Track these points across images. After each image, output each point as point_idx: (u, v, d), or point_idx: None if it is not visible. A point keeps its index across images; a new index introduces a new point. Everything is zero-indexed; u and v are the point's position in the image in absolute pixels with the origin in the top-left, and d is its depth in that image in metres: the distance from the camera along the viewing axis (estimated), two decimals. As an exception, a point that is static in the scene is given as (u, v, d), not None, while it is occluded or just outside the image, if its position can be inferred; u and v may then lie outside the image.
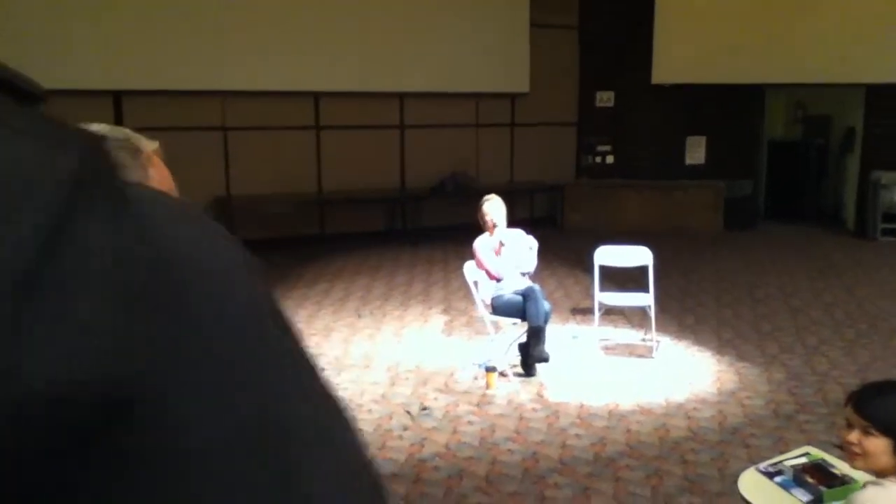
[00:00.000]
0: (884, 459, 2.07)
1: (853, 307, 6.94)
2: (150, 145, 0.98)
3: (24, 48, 7.95)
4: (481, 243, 5.38)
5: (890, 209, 10.22)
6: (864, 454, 2.09)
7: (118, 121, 8.73)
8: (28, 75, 0.36)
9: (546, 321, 5.14)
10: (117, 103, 8.75)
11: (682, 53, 10.74)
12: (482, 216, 5.41)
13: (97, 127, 0.97)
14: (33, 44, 7.98)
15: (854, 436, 2.10)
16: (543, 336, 5.10)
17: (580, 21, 11.50)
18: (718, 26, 10.55)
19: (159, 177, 1.02)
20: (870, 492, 2.05)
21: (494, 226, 5.35)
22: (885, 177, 10.22)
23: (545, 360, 5.10)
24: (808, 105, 12.82)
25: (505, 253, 5.35)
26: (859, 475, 2.51)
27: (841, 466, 2.72)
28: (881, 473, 2.09)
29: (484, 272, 5.35)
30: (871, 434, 2.07)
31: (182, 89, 8.89)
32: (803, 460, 2.81)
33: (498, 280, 5.32)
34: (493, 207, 5.38)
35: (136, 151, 0.98)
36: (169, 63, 8.69)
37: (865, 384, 2.30)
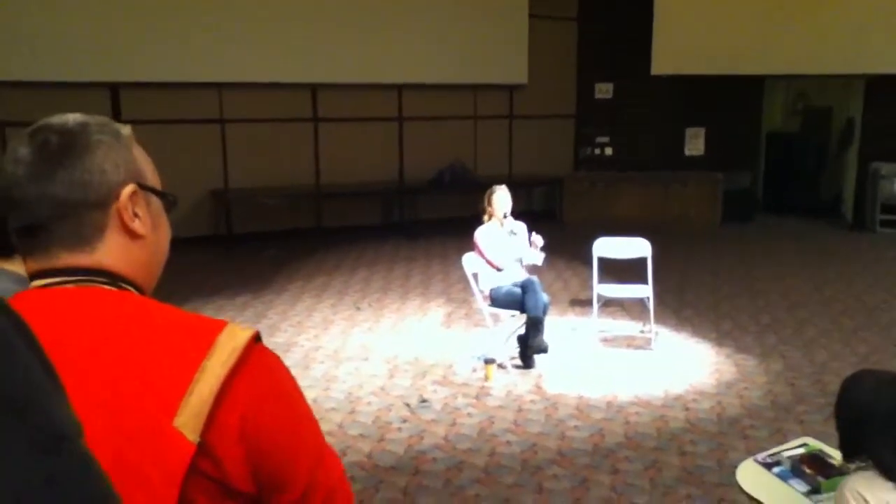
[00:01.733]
0: None
1: (851, 299, 6.94)
2: (126, 130, 1.00)
3: (22, 40, 7.93)
4: (482, 233, 5.37)
5: (888, 200, 10.21)
6: None
7: (115, 113, 8.71)
8: None
9: (545, 313, 5.14)
10: (114, 95, 8.72)
11: (681, 44, 10.70)
12: (489, 205, 5.39)
13: (75, 116, 0.97)
14: (30, 36, 7.95)
15: None
16: (542, 327, 5.10)
17: (579, 12, 11.47)
18: (718, 17, 10.51)
19: (142, 158, 1.02)
20: (856, 477, 2.06)
21: (505, 216, 5.34)
22: (885, 168, 10.21)
23: (544, 350, 5.10)
24: (808, 96, 12.79)
25: (514, 244, 5.33)
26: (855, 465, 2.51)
27: (838, 457, 2.72)
28: None
29: (484, 262, 5.34)
30: None
31: (179, 81, 8.86)
32: (801, 451, 2.81)
33: (498, 270, 5.31)
34: (502, 198, 5.38)
35: (118, 134, 0.99)
36: (166, 55, 8.66)
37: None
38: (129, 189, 0.97)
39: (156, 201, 1.02)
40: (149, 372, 0.88)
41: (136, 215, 0.98)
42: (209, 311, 6.52)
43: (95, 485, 0.55)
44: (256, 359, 0.92)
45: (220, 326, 0.92)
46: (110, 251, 0.97)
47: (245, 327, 0.94)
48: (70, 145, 0.94)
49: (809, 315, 6.46)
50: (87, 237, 0.95)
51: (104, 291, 0.95)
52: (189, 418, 0.86)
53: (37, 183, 0.93)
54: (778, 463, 2.73)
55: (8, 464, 0.42)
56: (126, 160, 0.98)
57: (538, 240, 5.28)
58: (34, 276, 0.96)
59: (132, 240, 0.98)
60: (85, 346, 0.89)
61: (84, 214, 0.95)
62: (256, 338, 0.93)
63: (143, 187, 1.00)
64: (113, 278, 0.96)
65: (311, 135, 9.95)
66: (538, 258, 5.35)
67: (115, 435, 0.85)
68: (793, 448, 2.85)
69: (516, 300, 5.16)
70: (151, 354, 0.89)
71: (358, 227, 10.04)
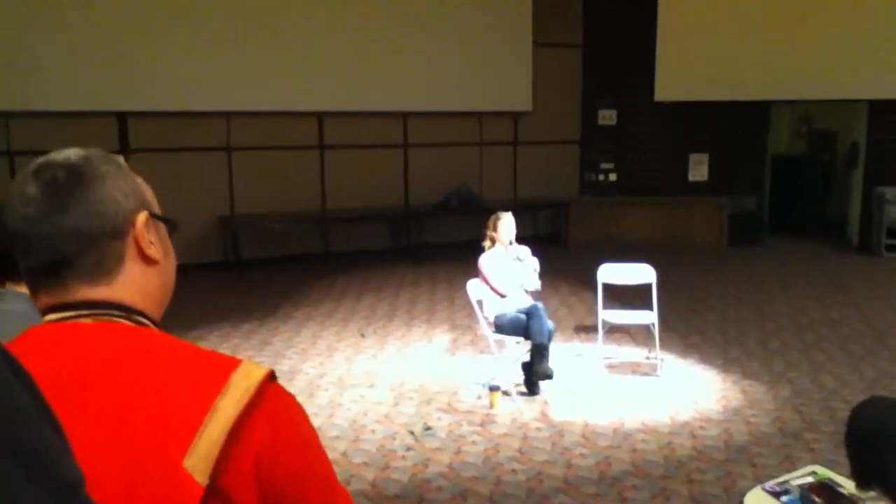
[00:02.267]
0: None
1: (859, 323, 6.90)
2: (121, 159, 1.04)
3: (30, 70, 8.02)
4: (487, 259, 5.37)
5: (894, 224, 10.18)
6: None
7: (122, 141, 8.79)
8: None
9: (550, 339, 5.12)
10: (122, 124, 8.80)
11: (684, 71, 10.77)
12: (494, 231, 5.40)
13: (74, 151, 0.99)
14: (38, 66, 8.05)
15: None
16: (547, 353, 5.08)
17: (583, 40, 11.56)
18: (721, 44, 10.58)
19: (143, 184, 1.05)
20: None
21: (511, 243, 5.35)
22: (890, 192, 10.19)
23: (549, 376, 5.07)
24: (813, 120, 12.84)
25: (521, 270, 5.34)
26: (868, 494, 2.48)
27: (848, 486, 2.69)
28: None
29: (489, 288, 5.34)
30: None
31: (186, 110, 8.94)
32: (810, 479, 2.77)
33: (502, 296, 5.31)
34: (506, 225, 5.39)
35: (118, 164, 1.01)
36: (173, 84, 8.75)
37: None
38: (143, 216, 0.99)
39: (162, 227, 1.04)
40: (163, 410, 0.87)
41: (150, 242, 1.00)
42: (215, 337, 6.52)
43: None
44: (271, 399, 0.91)
45: (234, 364, 0.91)
46: (128, 281, 0.97)
47: (260, 365, 0.93)
48: (79, 179, 0.95)
49: (817, 339, 6.42)
50: (107, 268, 0.96)
51: (121, 326, 0.95)
52: (199, 459, 0.84)
53: (51, 219, 0.93)
54: (787, 491, 2.70)
55: None
56: (133, 189, 1.00)
57: (534, 263, 5.30)
58: (48, 310, 0.96)
59: (148, 266, 1.00)
60: (100, 383, 0.88)
61: (105, 245, 0.96)
62: (271, 376, 0.92)
63: (152, 214, 1.01)
64: (128, 311, 0.96)
65: (317, 161, 10.02)
66: (536, 283, 5.35)
67: (127, 472, 0.84)
68: (802, 476, 2.82)
69: (521, 326, 5.15)
70: (166, 392, 0.88)
71: (364, 251, 10.06)
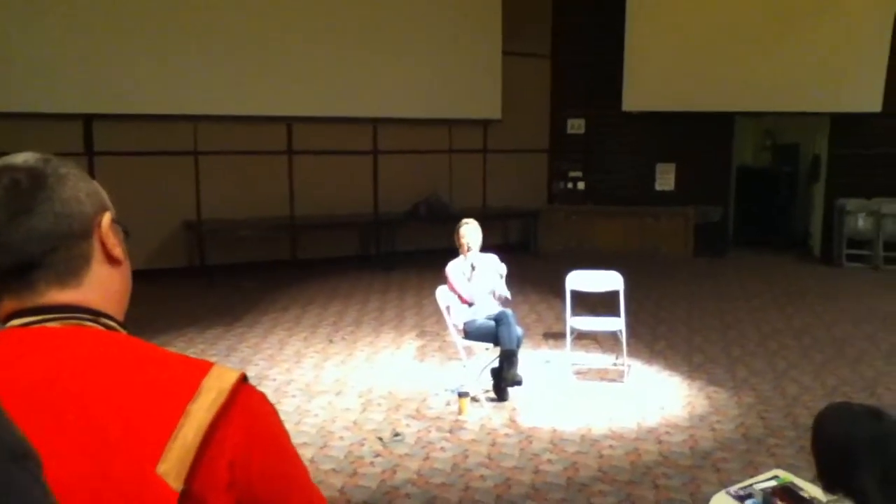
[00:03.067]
0: None
1: (821, 332, 7.03)
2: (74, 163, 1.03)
3: (-7, 71, 7.88)
4: (453, 267, 5.40)
5: (854, 236, 10.41)
6: None
7: (88, 144, 8.65)
8: None
9: (518, 346, 5.14)
10: (87, 127, 8.67)
11: (651, 82, 10.94)
12: (458, 239, 5.43)
13: (31, 154, 0.97)
14: (2, 68, 7.90)
15: None
16: (516, 360, 5.09)
17: (552, 50, 11.67)
18: (687, 56, 10.76)
19: (100, 187, 1.04)
20: None
21: (469, 249, 5.37)
22: (850, 204, 10.43)
23: (518, 383, 5.09)
24: (777, 133, 13.09)
25: (477, 277, 5.36)
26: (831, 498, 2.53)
27: (809, 489, 2.74)
28: None
29: (456, 296, 5.36)
30: None
31: (153, 113, 8.84)
32: (773, 483, 2.82)
33: (469, 304, 5.32)
34: (470, 231, 5.41)
35: (75, 166, 1.00)
36: (140, 87, 8.65)
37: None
38: (108, 217, 0.99)
39: (119, 229, 1.03)
40: (133, 416, 0.85)
41: (115, 242, 1.00)
42: (180, 343, 6.44)
43: None
44: (244, 402, 0.90)
45: (205, 368, 0.91)
46: (95, 283, 0.97)
47: (231, 369, 0.92)
48: (41, 181, 0.93)
49: (780, 348, 6.53)
50: (75, 269, 0.95)
51: (89, 331, 0.93)
52: (173, 465, 0.83)
53: (17, 222, 0.92)
54: (750, 496, 2.74)
55: None
56: (94, 190, 0.99)
57: (502, 269, 5.34)
58: (12, 315, 0.94)
59: (113, 268, 0.99)
60: (68, 388, 0.86)
61: (73, 246, 0.95)
62: (243, 379, 0.91)
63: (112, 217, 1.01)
64: (96, 315, 0.95)
65: (286, 167, 9.96)
66: (505, 290, 5.39)
67: (97, 480, 0.83)
68: (764, 480, 2.87)
69: (490, 333, 5.17)
70: (136, 397, 0.87)
71: (333, 258, 10.01)
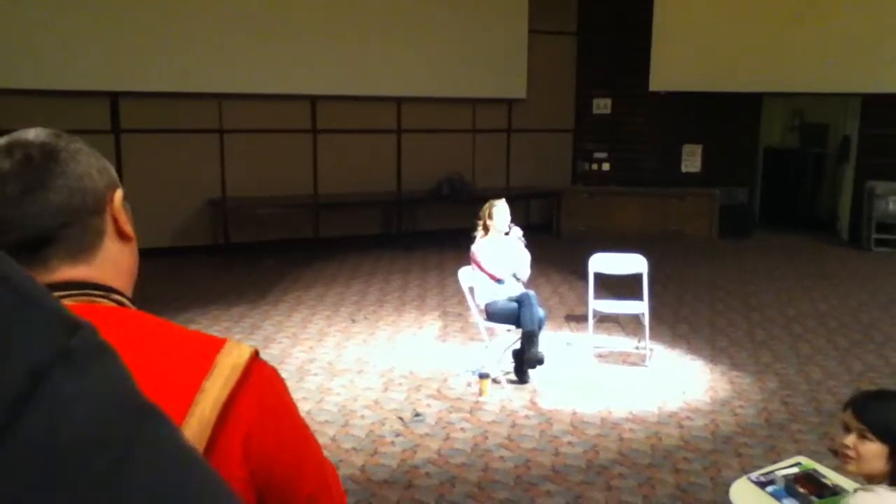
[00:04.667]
0: (876, 464, 2.11)
1: (847, 317, 6.95)
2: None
3: (23, 49, 7.95)
4: (481, 246, 5.38)
5: (884, 219, 10.23)
6: (858, 458, 2.13)
7: (114, 122, 8.73)
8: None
9: (540, 327, 5.14)
10: (114, 105, 8.74)
11: (679, 61, 10.77)
12: (486, 218, 5.41)
13: (41, 129, 0.97)
14: (31, 45, 7.98)
15: (850, 439, 2.15)
16: (537, 341, 5.08)
17: (578, 28, 11.53)
18: (716, 35, 10.58)
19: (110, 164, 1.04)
20: (861, 497, 2.06)
21: (508, 231, 5.36)
22: (880, 186, 10.24)
23: (541, 362, 5.06)
24: (806, 113, 12.86)
25: (504, 257, 5.35)
26: (849, 484, 2.51)
27: (832, 476, 2.72)
28: (872, 478, 2.12)
29: (483, 275, 5.34)
30: (867, 438, 2.11)
31: (178, 91, 8.88)
32: (795, 470, 2.80)
33: (499, 281, 5.31)
34: (499, 211, 5.39)
35: (84, 143, 1.00)
36: (166, 65, 8.69)
37: (865, 391, 2.34)
38: (119, 193, 0.99)
39: (128, 207, 1.03)
40: (149, 392, 0.86)
41: (126, 219, 1.00)
42: (205, 321, 6.51)
43: (117, 372, 0.52)
44: (257, 376, 0.92)
45: (219, 344, 0.92)
46: (106, 260, 0.97)
47: (244, 344, 0.93)
48: (54, 155, 0.93)
49: (804, 332, 6.47)
50: (88, 245, 0.95)
51: (102, 308, 0.94)
52: (190, 441, 0.84)
53: (32, 196, 0.92)
54: (772, 482, 2.73)
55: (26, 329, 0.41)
56: (104, 166, 0.99)
57: (518, 231, 5.34)
58: None
59: (124, 244, 1.00)
60: None
61: (87, 221, 0.95)
62: (256, 354, 0.93)
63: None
64: (108, 291, 0.96)
65: (310, 145, 9.98)
66: (525, 272, 5.40)
67: None
68: (787, 467, 2.85)
69: (512, 314, 5.16)
70: (152, 374, 0.86)
71: (356, 237, 10.05)
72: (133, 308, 0.98)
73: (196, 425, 0.85)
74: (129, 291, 1.02)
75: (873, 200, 10.22)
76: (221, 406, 0.86)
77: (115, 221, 0.98)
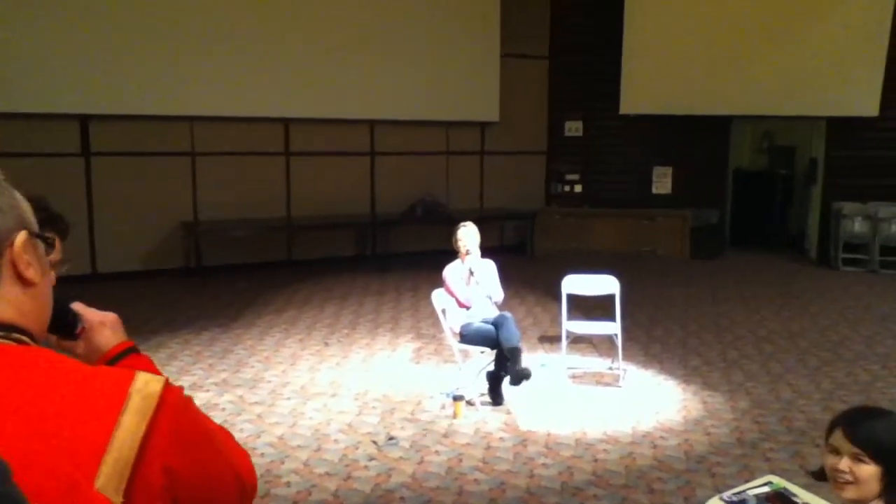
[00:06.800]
0: (874, 486, 2.01)
1: (817, 335, 7.04)
2: (1, 174, 0.96)
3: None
4: (451, 270, 5.38)
5: (850, 239, 10.43)
6: (857, 482, 2.01)
7: (84, 144, 8.65)
8: None
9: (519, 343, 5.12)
10: (84, 127, 8.66)
11: (649, 85, 10.95)
12: (456, 242, 5.40)
13: None
14: (0, 66, 7.90)
15: (845, 463, 2.02)
16: (520, 357, 5.04)
17: (550, 52, 11.68)
18: (685, 60, 10.77)
19: (22, 200, 0.98)
20: None
21: (468, 253, 5.35)
22: (846, 207, 10.44)
23: (527, 376, 4.97)
24: (774, 136, 13.11)
25: (474, 281, 5.35)
26: (819, 503, 2.52)
27: (802, 495, 2.74)
28: (865, 501, 2.03)
29: (453, 300, 5.34)
30: (862, 461, 2.00)
31: (150, 114, 8.84)
32: (766, 489, 2.82)
33: (467, 308, 5.31)
34: (468, 234, 5.38)
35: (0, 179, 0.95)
36: (136, 87, 8.64)
37: (848, 410, 2.24)
38: (22, 236, 0.93)
39: (40, 245, 0.98)
40: (64, 432, 0.83)
41: (28, 263, 0.94)
42: (175, 344, 6.43)
43: None
44: (170, 407, 0.90)
45: (129, 378, 0.89)
46: (8, 302, 0.92)
47: (155, 375, 0.91)
48: None
49: (775, 351, 6.54)
50: None
51: (7, 347, 0.90)
52: (111, 478, 0.83)
53: None
54: (744, 501, 2.74)
55: None
56: (12, 205, 0.94)
57: (477, 260, 5.31)
58: None
59: (24, 288, 0.94)
60: None
61: None
62: (167, 383, 0.91)
63: (31, 232, 0.95)
64: (8, 329, 0.92)
65: (283, 168, 9.96)
66: (498, 295, 5.37)
67: (33, 500, 0.80)
68: (759, 486, 2.86)
69: (487, 337, 5.15)
70: (65, 414, 0.84)
71: (329, 259, 10.01)
72: (35, 346, 0.94)
73: (116, 460, 0.84)
74: (35, 329, 0.97)
75: (840, 221, 10.41)
76: (140, 440, 0.85)
77: (14, 265, 0.93)
